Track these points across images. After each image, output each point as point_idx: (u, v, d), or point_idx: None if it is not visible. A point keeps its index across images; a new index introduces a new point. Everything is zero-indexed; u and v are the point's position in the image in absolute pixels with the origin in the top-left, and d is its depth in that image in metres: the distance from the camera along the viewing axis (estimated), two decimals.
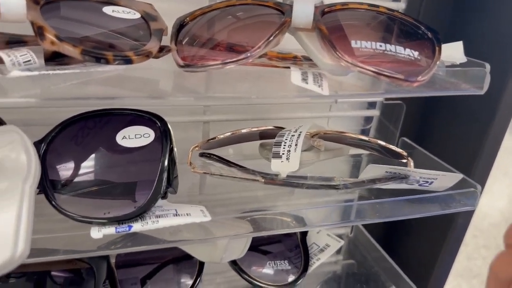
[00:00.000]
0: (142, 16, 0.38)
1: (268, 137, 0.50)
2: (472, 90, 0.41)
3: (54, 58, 0.35)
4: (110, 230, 0.35)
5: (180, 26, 0.40)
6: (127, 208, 0.37)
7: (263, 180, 0.46)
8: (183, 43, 0.39)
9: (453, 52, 0.42)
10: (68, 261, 0.47)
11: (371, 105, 0.59)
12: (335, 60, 0.36)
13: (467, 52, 0.42)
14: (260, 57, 0.41)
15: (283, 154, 0.44)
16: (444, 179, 0.44)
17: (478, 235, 1.73)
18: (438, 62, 0.38)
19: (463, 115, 0.49)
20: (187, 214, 0.38)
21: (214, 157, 0.47)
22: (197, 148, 0.48)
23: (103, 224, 0.35)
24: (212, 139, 0.47)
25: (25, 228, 0.32)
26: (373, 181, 0.44)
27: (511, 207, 1.76)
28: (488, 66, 0.40)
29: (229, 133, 0.47)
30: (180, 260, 0.52)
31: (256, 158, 0.51)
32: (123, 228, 0.35)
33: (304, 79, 0.36)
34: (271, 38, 0.36)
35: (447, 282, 0.62)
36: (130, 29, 0.37)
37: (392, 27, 0.39)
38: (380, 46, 0.37)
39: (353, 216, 0.47)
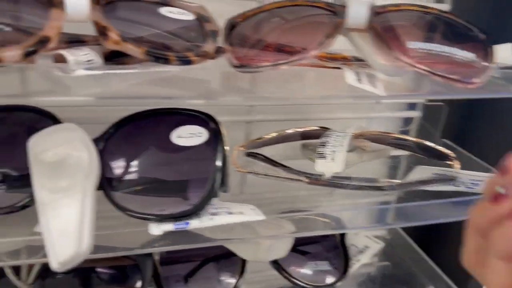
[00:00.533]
0: (196, 18, 0.38)
1: (310, 137, 0.50)
2: None
3: (111, 58, 0.36)
4: (169, 226, 0.35)
5: (232, 27, 0.40)
6: (181, 206, 0.37)
7: (307, 180, 0.46)
8: (236, 44, 0.39)
9: (503, 53, 0.42)
10: (115, 258, 0.48)
11: (412, 106, 0.58)
12: (391, 61, 0.36)
13: None
14: None
15: (328, 154, 0.44)
16: None
17: None
18: (493, 64, 0.38)
19: (506, 117, 0.48)
20: (240, 213, 0.38)
21: (261, 156, 0.47)
22: (241, 148, 0.48)
23: (161, 221, 0.36)
24: (258, 139, 0.47)
25: (88, 223, 0.33)
26: (420, 183, 0.44)
27: None
28: None
29: (275, 134, 0.48)
30: (222, 258, 0.52)
31: (296, 158, 0.51)
32: (181, 225, 0.36)
33: (359, 80, 0.36)
34: (327, 39, 0.36)
35: None
36: (187, 30, 0.37)
37: (445, 29, 0.39)
38: (436, 47, 0.37)
39: (394, 218, 0.47)
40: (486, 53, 0.38)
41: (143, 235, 0.38)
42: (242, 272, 0.51)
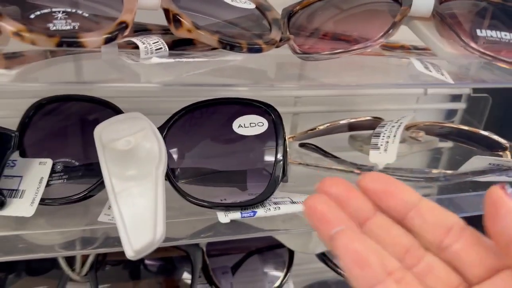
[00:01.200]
0: (256, 7, 0.38)
1: (360, 128, 0.50)
2: None
3: (172, 48, 0.36)
4: (236, 215, 0.35)
5: (290, 15, 0.40)
6: (242, 195, 0.37)
7: (358, 172, 0.46)
8: (296, 32, 0.39)
9: None
10: (165, 249, 0.48)
11: (456, 98, 0.58)
12: (458, 49, 0.36)
13: None
14: None
15: (381, 145, 0.44)
16: None
17: None
18: None
19: None
20: (302, 202, 0.38)
21: (313, 146, 0.47)
22: (291, 139, 0.48)
23: (228, 209, 0.35)
24: (311, 130, 0.47)
25: (162, 212, 0.32)
26: (475, 173, 0.44)
27: None
28: None
29: (328, 124, 0.47)
30: (268, 249, 0.52)
31: (344, 150, 0.51)
32: (248, 213, 0.36)
33: (426, 67, 0.36)
34: (393, 27, 0.36)
35: None
36: (251, 19, 0.37)
37: (509, 17, 0.38)
38: (502, 34, 0.37)
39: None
40: None
41: (200, 227, 0.38)
42: (290, 264, 0.51)
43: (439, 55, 0.37)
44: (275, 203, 0.37)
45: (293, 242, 0.48)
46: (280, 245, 0.51)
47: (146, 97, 0.45)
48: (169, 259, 0.48)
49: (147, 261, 0.48)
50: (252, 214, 0.36)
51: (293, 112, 0.52)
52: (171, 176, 0.36)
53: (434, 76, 0.35)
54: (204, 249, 0.51)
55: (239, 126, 0.38)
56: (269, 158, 0.38)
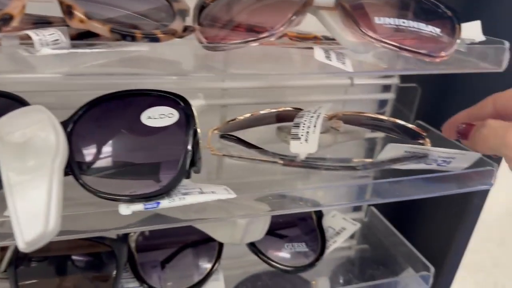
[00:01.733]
0: None
1: (286, 119, 0.50)
2: (491, 68, 0.42)
3: (78, 39, 0.36)
4: (139, 206, 0.35)
5: (202, 7, 0.40)
6: (152, 186, 0.37)
7: (281, 162, 0.46)
8: (206, 23, 0.39)
9: (471, 31, 0.42)
10: (89, 245, 0.48)
11: (386, 88, 0.59)
12: (359, 38, 0.36)
13: (485, 32, 0.43)
14: (280, 37, 0.41)
15: (302, 135, 0.44)
16: (462, 158, 0.45)
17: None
18: (459, 39, 0.38)
19: (480, 99, 0.49)
20: (212, 192, 0.38)
21: (234, 138, 0.47)
22: (216, 131, 0.48)
23: (132, 201, 0.35)
24: (231, 120, 0.47)
25: (56, 204, 0.32)
26: (392, 161, 0.45)
27: None
28: (507, 44, 0.40)
29: (249, 115, 0.47)
30: (199, 243, 0.52)
31: (274, 142, 0.51)
32: (151, 205, 0.36)
33: (327, 57, 0.36)
34: (294, 16, 0.36)
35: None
36: (155, 9, 0.37)
37: (413, 5, 0.39)
38: (403, 22, 0.37)
39: (369, 196, 0.47)
40: (453, 29, 0.39)
41: (114, 220, 0.38)
42: (218, 256, 0.51)
43: (342, 44, 0.37)
44: (183, 194, 0.37)
45: (219, 233, 0.48)
46: (211, 238, 0.51)
47: (58, 91, 0.44)
48: (93, 254, 0.48)
49: (71, 257, 0.48)
50: (156, 205, 0.36)
51: (221, 104, 0.52)
52: (76, 170, 0.36)
53: (333, 65, 0.36)
54: (134, 244, 0.51)
55: (148, 118, 0.38)
56: (178, 149, 0.38)
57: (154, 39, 0.34)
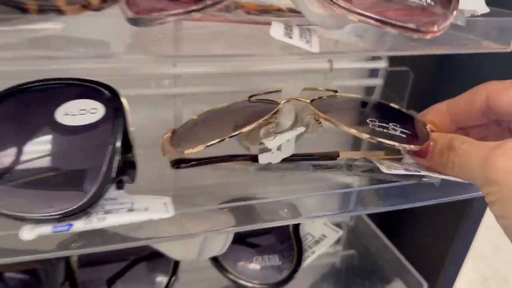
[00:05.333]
0: None
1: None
2: (497, 47, 0.34)
3: None
4: (46, 229, 0.28)
5: None
6: (73, 200, 0.29)
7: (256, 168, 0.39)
8: None
9: (471, 0, 0.34)
10: (21, 263, 0.40)
11: (373, 73, 0.51)
12: (328, 8, 0.28)
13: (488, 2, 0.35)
14: (236, 8, 0.33)
15: (273, 147, 0.36)
16: None
17: None
18: (455, 11, 0.30)
19: (479, 83, 0.42)
20: (145, 209, 0.30)
21: (195, 162, 0.39)
22: (169, 136, 0.40)
23: (38, 222, 0.28)
24: (181, 127, 0.40)
25: None
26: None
27: None
28: None
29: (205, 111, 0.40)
30: (152, 257, 0.45)
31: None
32: (61, 228, 0.28)
33: (288, 34, 0.28)
34: None
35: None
36: None
37: None
38: None
39: (354, 205, 0.40)
40: None
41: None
42: (174, 272, 0.43)
43: (308, 17, 0.29)
44: (106, 212, 0.29)
45: (171, 249, 0.41)
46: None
47: None
48: (28, 272, 0.41)
49: (5, 275, 0.41)
50: (67, 228, 0.28)
51: (173, 94, 0.43)
52: None
53: (294, 45, 0.28)
54: (76, 259, 0.43)
55: (65, 115, 0.30)
56: (102, 153, 0.30)
57: (54, 11, 0.26)
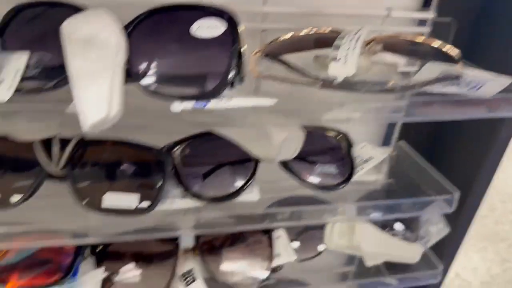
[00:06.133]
0: None
1: (326, 43, 0.51)
2: None
3: None
4: (188, 105, 0.39)
5: None
6: (201, 89, 0.41)
7: (321, 83, 0.49)
8: None
9: None
10: (139, 153, 0.52)
11: (422, 22, 0.60)
12: None
13: None
14: None
15: (340, 58, 0.46)
16: (493, 84, 0.46)
17: (507, 200, 1.73)
18: None
19: None
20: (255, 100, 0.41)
21: (278, 59, 0.49)
22: (258, 53, 0.51)
23: (183, 100, 0.39)
24: (273, 41, 0.50)
25: (118, 92, 0.36)
26: (427, 82, 0.47)
27: None
28: None
29: (290, 34, 0.50)
30: (237, 162, 0.56)
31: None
32: (199, 105, 0.39)
33: None
34: None
35: (474, 245, 0.64)
36: None
37: None
38: None
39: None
40: None
41: None
42: (253, 172, 0.55)
43: None
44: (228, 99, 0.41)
45: (255, 147, 0.51)
46: (248, 158, 0.54)
47: None
48: (144, 162, 0.52)
49: (123, 163, 0.52)
50: (203, 105, 0.39)
51: (261, 28, 0.54)
52: (133, 68, 0.40)
53: None
54: (178, 157, 0.55)
55: (197, 28, 0.41)
56: (224, 58, 0.41)
57: None
